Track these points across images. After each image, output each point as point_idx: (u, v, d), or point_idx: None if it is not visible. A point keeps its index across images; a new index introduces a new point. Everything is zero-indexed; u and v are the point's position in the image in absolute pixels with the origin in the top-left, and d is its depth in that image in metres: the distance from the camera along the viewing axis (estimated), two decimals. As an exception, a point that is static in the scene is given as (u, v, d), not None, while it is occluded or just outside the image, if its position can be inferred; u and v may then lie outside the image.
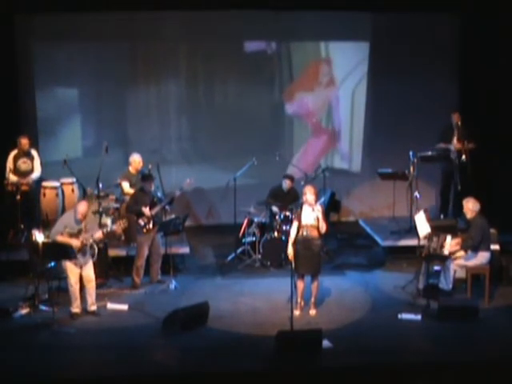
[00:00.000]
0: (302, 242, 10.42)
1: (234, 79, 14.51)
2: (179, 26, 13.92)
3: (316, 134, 14.82)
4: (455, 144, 13.01)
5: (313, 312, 10.58)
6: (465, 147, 12.94)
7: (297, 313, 10.46)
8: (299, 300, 10.58)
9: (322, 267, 12.24)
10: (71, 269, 10.38)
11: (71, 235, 10.34)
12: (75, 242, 10.29)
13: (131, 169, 12.41)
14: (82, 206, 10.44)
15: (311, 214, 10.41)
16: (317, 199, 10.59)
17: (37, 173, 12.58)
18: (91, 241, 10.41)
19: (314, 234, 10.44)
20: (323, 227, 10.43)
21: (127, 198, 12.10)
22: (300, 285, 10.55)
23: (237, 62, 14.40)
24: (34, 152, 12.62)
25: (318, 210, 10.42)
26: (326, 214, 13.39)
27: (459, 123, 13.03)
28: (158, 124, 14.35)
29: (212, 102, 14.57)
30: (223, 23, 13.94)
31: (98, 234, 10.48)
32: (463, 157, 12.87)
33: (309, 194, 10.41)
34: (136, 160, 12.38)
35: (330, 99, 14.76)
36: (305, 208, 10.45)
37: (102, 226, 10.90)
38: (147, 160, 12.53)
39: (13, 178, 12.33)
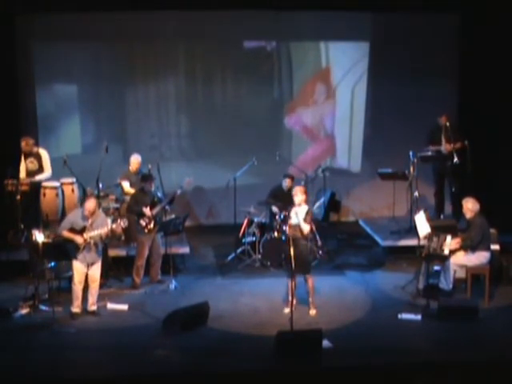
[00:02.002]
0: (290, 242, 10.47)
1: (233, 77, 14.52)
2: (179, 25, 13.92)
3: (316, 143, 14.85)
4: (445, 145, 13.01)
5: (313, 312, 10.57)
6: (454, 148, 12.94)
7: (286, 310, 10.39)
8: (290, 298, 10.50)
9: (323, 267, 12.35)
10: (77, 267, 10.39)
11: (75, 232, 10.35)
12: (78, 239, 10.31)
13: (130, 168, 12.44)
14: (90, 203, 10.45)
15: (297, 216, 10.42)
16: (307, 198, 10.61)
17: (46, 173, 12.50)
18: (97, 238, 10.39)
19: (300, 234, 10.41)
20: (305, 229, 10.38)
21: (127, 197, 12.12)
22: (290, 283, 10.47)
23: (236, 59, 14.41)
24: (41, 151, 12.56)
25: (301, 212, 10.41)
26: (326, 214, 13.52)
27: (447, 124, 13.02)
28: (157, 121, 14.37)
29: (211, 99, 14.55)
30: (223, 23, 13.95)
31: (104, 230, 10.44)
32: (455, 159, 12.86)
33: (295, 195, 10.46)
34: (133, 161, 12.42)
35: (329, 112, 14.77)
36: (294, 208, 10.47)
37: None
38: (147, 157, 12.59)
39: (22, 177, 12.34)
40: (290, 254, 10.27)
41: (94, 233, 10.35)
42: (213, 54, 14.28)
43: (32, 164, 12.49)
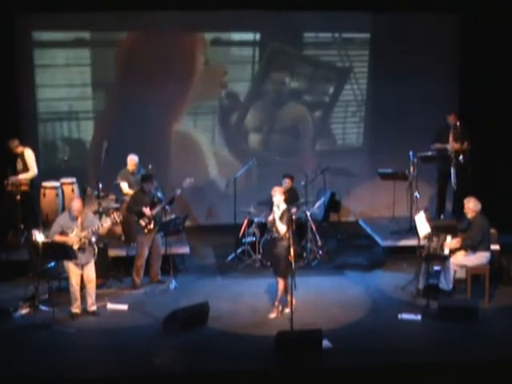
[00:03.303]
0: (270, 243, 10.47)
1: (233, 76, 14.49)
2: (179, 26, 13.92)
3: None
4: (452, 144, 13.00)
5: (272, 315, 10.43)
6: (462, 147, 12.94)
7: (286, 310, 10.36)
8: (289, 298, 10.40)
9: (323, 267, 12.34)
10: (72, 269, 10.39)
11: (67, 234, 10.35)
12: (73, 240, 10.31)
13: (128, 169, 12.46)
14: (76, 203, 10.48)
15: (274, 215, 10.37)
16: (286, 199, 10.55)
17: (30, 172, 12.44)
18: (91, 237, 10.39)
19: (279, 235, 10.34)
20: (281, 229, 10.26)
21: (127, 198, 12.12)
22: (283, 285, 10.45)
23: (237, 58, 14.39)
24: (26, 151, 12.53)
25: (276, 212, 10.34)
26: (327, 214, 13.51)
27: (457, 124, 13.01)
28: (158, 120, 14.28)
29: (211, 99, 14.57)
30: (223, 23, 13.95)
31: (107, 224, 10.48)
32: (461, 157, 12.87)
33: (274, 195, 10.39)
34: (130, 162, 12.42)
35: (329, 113, 14.82)
36: (274, 209, 10.42)
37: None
38: (147, 157, 12.56)
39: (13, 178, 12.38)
40: (269, 257, 10.36)
41: (87, 232, 10.36)
42: (213, 52, 14.27)
43: (19, 164, 12.50)
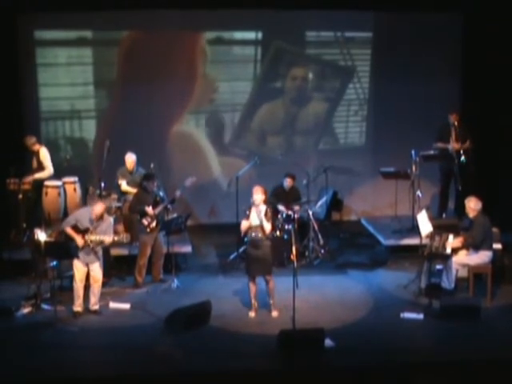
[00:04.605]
0: (251, 243, 10.41)
1: (235, 75, 14.49)
2: (181, 25, 13.93)
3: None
4: (453, 144, 13.00)
5: (274, 314, 10.46)
6: (463, 147, 12.94)
7: (252, 315, 10.46)
8: (253, 302, 10.51)
9: (325, 266, 12.35)
10: (78, 266, 10.40)
11: (78, 231, 10.35)
12: (79, 240, 10.31)
13: (126, 167, 12.48)
14: (98, 207, 10.45)
15: (258, 215, 10.34)
16: (266, 199, 10.48)
17: (46, 171, 12.51)
18: (97, 243, 10.37)
19: (262, 234, 10.32)
20: (267, 228, 10.28)
21: (129, 196, 12.13)
22: (252, 287, 10.48)
23: (239, 57, 14.39)
24: (41, 150, 12.59)
25: (260, 211, 10.30)
26: (329, 213, 13.52)
27: (456, 123, 13.01)
28: (160, 120, 14.29)
29: (213, 98, 14.58)
30: (224, 21, 13.96)
31: (108, 239, 10.43)
32: (462, 157, 12.87)
33: (256, 194, 10.33)
34: (128, 160, 12.41)
35: (331, 112, 14.83)
36: (253, 208, 10.38)
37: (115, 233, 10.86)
38: (149, 156, 12.58)
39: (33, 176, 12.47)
40: (252, 257, 10.37)
41: (96, 237, 10.34)
42: (214, 52, 14.28)
43: (33, 162, 12.55)
